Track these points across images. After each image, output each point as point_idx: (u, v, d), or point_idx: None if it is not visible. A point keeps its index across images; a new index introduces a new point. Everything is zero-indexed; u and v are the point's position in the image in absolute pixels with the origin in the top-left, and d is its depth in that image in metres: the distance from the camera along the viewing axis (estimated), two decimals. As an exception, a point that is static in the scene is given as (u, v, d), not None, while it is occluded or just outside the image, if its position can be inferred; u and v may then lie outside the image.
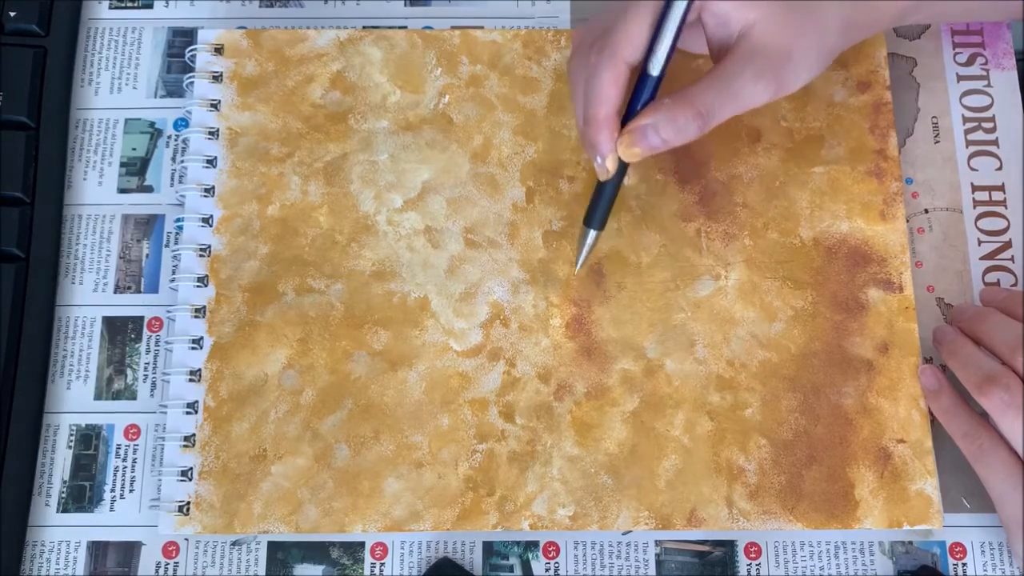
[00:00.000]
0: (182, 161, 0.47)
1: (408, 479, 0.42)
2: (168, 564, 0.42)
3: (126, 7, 0.50)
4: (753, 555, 0.43)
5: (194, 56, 0.48)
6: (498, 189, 0.46)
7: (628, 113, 0.39)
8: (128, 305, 0.46)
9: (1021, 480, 0.39)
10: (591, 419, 0.43)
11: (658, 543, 0.43)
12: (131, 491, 0.43)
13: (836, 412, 0.43)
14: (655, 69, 0.38)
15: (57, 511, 0.43)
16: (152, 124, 0.48)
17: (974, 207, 0.47)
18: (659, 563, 0.42)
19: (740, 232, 0.45)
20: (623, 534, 0.43)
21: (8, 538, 0.42)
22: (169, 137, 0.48)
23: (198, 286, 0.44)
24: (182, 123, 0.48)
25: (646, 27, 0.38)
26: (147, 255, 0.46)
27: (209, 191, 0.46)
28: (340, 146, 0.47)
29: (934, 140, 0.48)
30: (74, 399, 0.44)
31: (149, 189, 0.47)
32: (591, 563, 0.42)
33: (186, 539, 0.43)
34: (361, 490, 0.42)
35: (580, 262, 0.43)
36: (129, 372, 0.45)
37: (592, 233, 0.42)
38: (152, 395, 0.44)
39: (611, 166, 0.39)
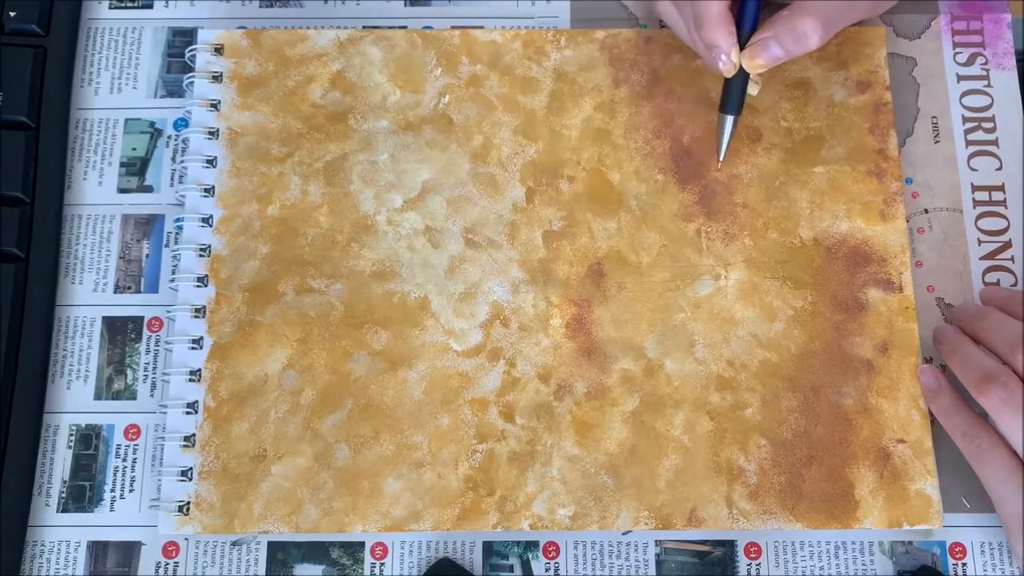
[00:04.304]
0: (182, 161, 0.47)
1: (408, 479, 0.42)
2: (168, 564, 0.42)
3: (126, 7, 0.50)
4: (753, 555, 0.43)
5: (194, 56, 0.48)
6: (498, 189, 0.46)
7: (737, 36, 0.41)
8: (128, 305, 0.46)
9: (1021, 480, 0.39)
10: (591, 419, 0.43)
11: (658, 543, 0.43)
12: (131, 491, 0.43)
13: (836, 412, 0.43)
14: None
15: (57, 511, 0.43)
16: (152, 124, 0.48)
17: (974, 207, 0.47)
18: (659, 563, 0.42)
19: (740, 232, 0.45)
20: (623, 534, 0.43)
21: (8, 538, 0.42)
22: (169, 137, 0.48)
23: (198, 286, 0.44)
24: (182, 123, 0.48)
25: None
26: (147, 255, 0.46)
27: (209, 191, 0.46)
28: (340, 146, 0.47)
29: (934, 140, 0.48)
30: (74, 399, 0.44)
31: (149, 189, 0.47)
32: (591, 563, 0.42)
33: (186, 539, 0.43)
34: (361, 490, 0.42)
35: (723, 150, 0.44)
36: (129, 372, 0.45)
37: (729, 119, 0.43)
38: (152, 395, 0.44)
39: (736, 59, 0.40)
